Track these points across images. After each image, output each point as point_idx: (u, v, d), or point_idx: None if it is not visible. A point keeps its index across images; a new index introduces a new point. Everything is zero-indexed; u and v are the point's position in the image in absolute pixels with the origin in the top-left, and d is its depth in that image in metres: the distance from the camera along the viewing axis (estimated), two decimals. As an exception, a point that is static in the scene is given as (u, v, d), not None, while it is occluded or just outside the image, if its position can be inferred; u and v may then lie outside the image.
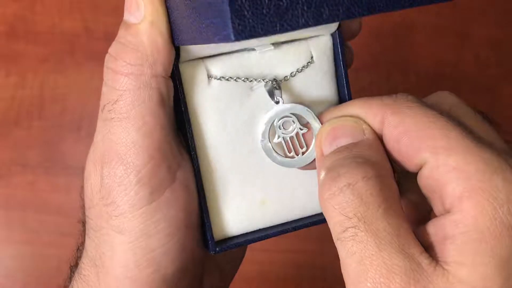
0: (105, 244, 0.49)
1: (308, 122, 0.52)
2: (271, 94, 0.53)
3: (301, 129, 0.53)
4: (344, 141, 0.45)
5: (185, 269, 0.52)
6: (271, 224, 0.56)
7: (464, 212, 0.38)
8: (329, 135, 0.46)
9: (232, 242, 0.54)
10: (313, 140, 0.52)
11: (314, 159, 0.51)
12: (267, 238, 0.55)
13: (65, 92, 1.00)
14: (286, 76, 0.53)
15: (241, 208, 0.55)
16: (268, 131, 0.53)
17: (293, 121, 0.53)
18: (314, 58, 0.55)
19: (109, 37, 0.96)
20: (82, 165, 0.51)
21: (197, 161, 0.52)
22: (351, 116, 0.46)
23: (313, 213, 0.56)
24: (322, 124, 0.50)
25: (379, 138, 0.45)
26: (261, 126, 0.53)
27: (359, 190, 0.40)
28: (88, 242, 0.51)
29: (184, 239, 0.50)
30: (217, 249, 0.53)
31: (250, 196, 0.55)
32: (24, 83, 1.00)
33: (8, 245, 0.97)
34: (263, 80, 0.53)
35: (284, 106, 0.53)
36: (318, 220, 0.55)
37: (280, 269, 0.98)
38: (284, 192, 0.56)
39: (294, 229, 0.55)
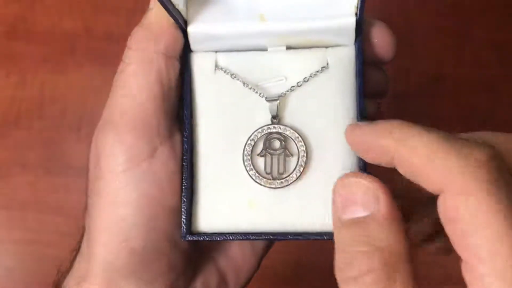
0: (92, 209, 0.52)
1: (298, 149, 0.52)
2: (270, 107, 0.53)
3: (286, 156, 0.53)
4: (356, 210, 0.42)
5: (160, 252, 0.52)
6: (255, 230, 0.54)
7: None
8: (342, 197, 0.43)
9: (207, 234, 0.53)
10: (295, 169, 0.53)
11: (289, 185, 0.53)
12: (246, 239, 0.55)
13: (65, 92, 0.99)
14: (299, 82, 0.53)
15: (226, 205, 0.54)
16: (253, 144, 0.53)
17: (282, 143, 0.53)
18: (329, 64, 0.53)
19: (109, 37, 1.00)
20: (83, 165, 0.52)
21: (188, 144, 0.53)
22: (366, 177, 0.42)
23: (302, 229, 0.54)
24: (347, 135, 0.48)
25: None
26: (251, 132, 0.53)
27: (365, 284, 0.39)
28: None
29: (157, 218, 0.51)
30: (188, 236, 0.52)
31: (237, 195, 0.54)
32: (24, 83, 0.99)
33: (8, 245, 0.96)
34: (262, 96, 0.53)
35: (277, 127, 0.53)
36: (303, 237, 0.53)
37: (279, 268, 0.97)
38: (274, 199, 0.54)
39: (276, 239, 0.54)
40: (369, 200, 0.41)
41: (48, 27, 1.00)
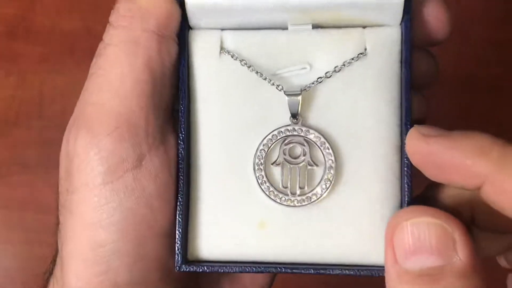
0: (63, 229, 0.38)
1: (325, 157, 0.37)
2: (290, 103, 0.36)
3: (310, 165, 0.37)
4: (427, 259, 0.31)
5: (150, 286, 0.38)
6: (267, 258, 0.38)
7: None
8: (406, 243, 0.31)
9: (207, 263, 0.38)
10: (320, 183, 0.37)
11: (310, 204, 0.37)
12: (256, 272, 0.38)
13: (65, 92, 0.86)
14: (328, 72, 0.35)
15: (232, 227, 0.38)
16: (267, 150, 0.37)
17: (304, 150, 0.37)
18: (367, 50, 0.36)
19: (109, 37, 0.86)
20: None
21: (184, 149, 0.37)
22: (439, 215, 0.31)
23: (328, 260, 0.38)
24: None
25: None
26: (264, 134, 0.37)
27: None
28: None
29: (145, 243, 0.37)
30: (184, 266, 0.37)
31: (246, 215, 0.38)
32: (23, 83, 0.87)
33: (7, 245, 0.84)
34: (280, 89, 0.36)
35: (299, 129, 0.37)
36: (329, 270, 0.37)
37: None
38: (292, 220, 0.38)
39: (294, 272, 0.37)
40: (446, 245, 0.30)
41: (48, 27, 0.88)
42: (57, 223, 0.40)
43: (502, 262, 0.43)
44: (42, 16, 0.87)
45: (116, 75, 0.36)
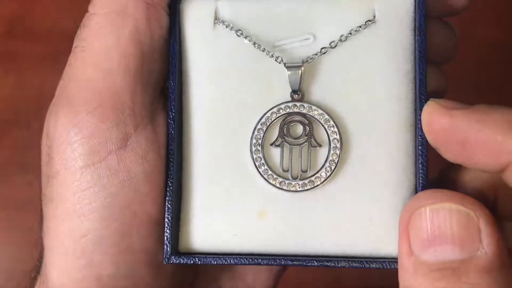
0: (45, 220, 0.35)
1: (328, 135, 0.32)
2: (291, 77, 0.31)
3: (313, 146, 0.32)
4: (447, 251, 0.26)
5: (137, 279, 0.33)
6: (267, 250, 0.32)
7: None
8: (424, 231, 0.27)
9: (199, 255, 0.32)
10: (324, 165, 0.32)
11: (314, 188, 0.32)
12: (254, 264, 0.32)
13: None
14: (333, 42, 0.31)
15: (228, 215, 0.33)
16: (265, 129, 0.32)
17: (307, 128, 0.32)
18: (377, 17, 0.31)
19: (109, 36, 0.85)
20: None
21: (175, 128, 0.32)
22: (463, 199, 0.27)
23: (334, 252, 0.32)
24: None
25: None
26: (262, 112, 0.32)
27: None
28: None
29: (131, 233, 0.32)
30: (173, 258, 0.32)
31: (243, 202, 0.33)
32: (22, 82, 0.83)
33: (7, 245, 0.79)
34: (280, 61, 0.31)
35: (300, 105, 0.31)
36: (335, 263, 0.31)
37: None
38: (293, 207, 0.32)
39: (295, 264, 0.32)
40: (470, 236, 0.26)
41: (47, 26, 0.84)
42: (41, 216, 0.36)
43: None
44: (41, 16, 0.83)
45: (100, 48, 0.32)
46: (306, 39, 0.32)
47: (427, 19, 0.31)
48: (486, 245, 0.25)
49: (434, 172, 0.34)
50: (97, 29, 0.32)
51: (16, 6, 0.84)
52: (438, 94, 0.35)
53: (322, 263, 0.31)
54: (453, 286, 0.25)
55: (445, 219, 0.26)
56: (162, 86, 0.34)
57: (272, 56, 0.31)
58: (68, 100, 0.32)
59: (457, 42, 0.36)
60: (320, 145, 0.32)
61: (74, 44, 0.34)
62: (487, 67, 0.80)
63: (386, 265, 0.30)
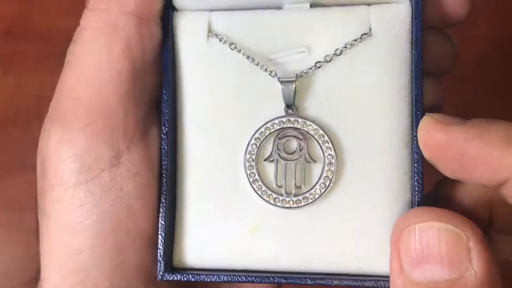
0: (41, 229, 0.35)
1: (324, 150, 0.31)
2: (285, 92, 0.30)
3: (307, 162, 0.31)
4: (436, 270, 0.26)
5: None
6: (261, 266, 0.32)
7: None
8: (413, 250, 0.26)
9: (192, 271, 0.32)
10: (318, 181, 0.31)
11: (310, 204, 0.31)
12: (248, 282, 0.31)
13: None
14: (328, 55, 0.30)
15: (221, 231, 0.32)
16: (259, 144, 0.31)
17: (301, 144, 0.31)
18: (373, 30, 0.30)
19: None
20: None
21: (168, 143, 0.31)
22: (453, 218, 0.26)
23: (329, 270, 0.31)
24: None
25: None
26: (256, 127, 0.31)
27: None
28: None
29: (125, 249, 0.32)
30: (167, 275, 0.32)
31: (237, 218, 0.32)
32: (22, 82, 0.83)
33: (7, 246, 0.79)
34: (274, 75, 0.31)
35: (295, 120, 0.31)
36: (331, 280, 0.31)
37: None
38: (287, 223, 0.32)
39: (290, 282, 0.31)
40: (459, 255, 0.25)
41: (47, 26, 0.83)
42: (37, 227, 0.36)
43: None
44: (41, 16, 0.83)
45: (92, 64, 0.31)
46: (300, 52, 0.31)
47: (424, 31, 0.30)
48: (475, 264, 0.25)
49: (430, 185, 0.33)
50: (88, 45, 0.31)
51: (16, 6, 0.84)
52: (435, 109, 0.34)
53: (315, 281, 0.30)
54: None
55: (434, 238, 0.26)
56: (155, 99, 0.33)
57: (266, 70, 0.30)
58: (60, 116, 0.32)
59: (456, 53, 0.35)
60: (314, 161, 0.31)
61: (66, 59, 0.33)
62: (487, 67, 0.80)
63: (381, 284, 0.30)
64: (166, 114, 0.31)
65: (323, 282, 0.30)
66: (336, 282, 0.30)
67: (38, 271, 0.37)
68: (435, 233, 0.26)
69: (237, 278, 0.31)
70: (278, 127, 0.31)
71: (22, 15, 0.84)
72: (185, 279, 0.31)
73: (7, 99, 0.82)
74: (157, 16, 0.32)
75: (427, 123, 0.28)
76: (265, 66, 0.31)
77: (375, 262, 0.31)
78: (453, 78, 0.79)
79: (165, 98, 0.31)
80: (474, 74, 0.79)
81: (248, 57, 0.31)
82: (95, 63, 0.31)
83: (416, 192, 0.30)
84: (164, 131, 0.31)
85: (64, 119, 0.31)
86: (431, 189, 0.34)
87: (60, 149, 0.31)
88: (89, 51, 0.31)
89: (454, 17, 0.33)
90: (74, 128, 0.31)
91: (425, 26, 0.30)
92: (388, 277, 0.30)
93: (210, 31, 0.32)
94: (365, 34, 0.30)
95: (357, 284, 0.30)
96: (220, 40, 0.31)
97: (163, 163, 0.32)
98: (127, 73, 0.31)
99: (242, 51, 0.31)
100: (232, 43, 0.31)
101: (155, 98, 0.34)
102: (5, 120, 0.81)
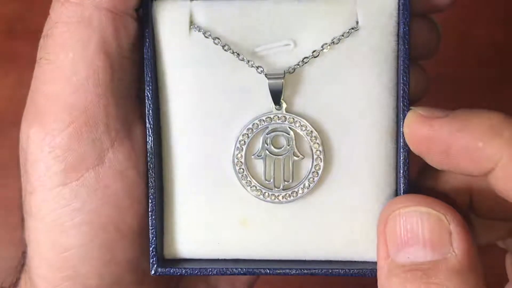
0: (26, 228, 0.33)
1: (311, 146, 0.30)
2: (272, 88, 0.30)
3: (295, 156, 0.30)
4: (419, 252, 0.26)
5: (121, 286, 0.33)
6: (251, 257, 0.32)
7: None
8: (398, 234, 0.27)
9: (186, 266, 0.32)
10: (307, 176, 0.31)
11: (298, 199, 0.31)
12: (238, 274, 0.31)
13: None
14: (316, 50, 0.29)
15: (212, 224, 0.32)
16: (247, 141, 0.30)
17: (289, 139, 0.30)
18: (360, 24, 0.30)
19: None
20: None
21: (153, 141, 0.30)
22: (435, 204, 0.27)
23: (314, 257, 0.32)
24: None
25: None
26: (243, 123, 0.31)
27: None
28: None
29: (115, 246, 0.32)
30: (160, 270, 0.32)
31: (226, 212, 0.32)
32: (22, 82, 0.85)
33: (7, 246, 0.78)
34: (261, 71, 0.30)
35: (282, 117, 0.30)
36: (319, 271, 0.31)
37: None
38: (276, 217, 0.32)
39: (280, 273, 0.31)
40: (441, 238, 0.26)
41: None
42: (22, 223, 0.35)
43: (500, 243, 0.38)
44: (41, 16, 0.83)
45: (67, 61, 0.30)
46: (286, 45, 0.30)
47: (411, 24, 0.29)
48: (456, 247, 0.26)
49: (413, 174, 0.33)
50: (62, 41, 0.30)
51: (16, 6, 0.83)
52: (420, 95, 0.35)
53: (301, 271, 0.30)
54: (426, 283, 0.25)
55: (417, 222, 0.26)
56: (135, 94, 0.33)
57: (252, 65, 0.30)
58: (38, 117, 0.31)
59: (440, 37, 0.35)
60: (302, 156, 0.31)
61: (38, 56, 0.32)
62: (487, 67, 0.79)
63: (368, 272, 0.30)
64: (151, 111, 0.31)
65: (309, 272, 0.30)
66: (324, 272, 0.30)
67: (23, 253, 0.36)
68: (418, 217, 0.26)
69: (228, 271, 0.31)
70: (266, 123, 0.30)
71: (22, 15, 0.82)
72: (178, 273, 0.31)
73: (7, 99, 0.80)
74: (131, 9, 0.31)
75: (411, 118, 0.28)
76: (251, 62, 0.30)
77: (363, 249, 0.31)
78: (452, 78, 0.79)
79: (148, 95, 0.31)
80: (473, 74, 0.79)
81: (233, 52, 0.30)
82: (70, 61, 0.30)
83: (401, 184, 0.30)
84: (149, 128, 0.31)
85: (44, 120, 0.31)
86: (414, 177, 0.34)
87: (41, 150, 0.31)
88: (63, 48, 0.30)
89: (439, 3, 0.33)
90: (55, 129, 0.30)
91: (411, 17, 0.29)
92: (375, 263, 0.30)
93: (192, 24, 0.31)
94: (352, 28, 0.30)
95: (344, 273, 0.30)
96: (204, 34, 0.30)
97: (149, 160, 0.31)
98: (104, 69, 0.30)
99: (227, 46, 0.30)
100: (216, 38, 0.30)
101: (136, 93, 0.33)
102: (5, 120, 0.80)
